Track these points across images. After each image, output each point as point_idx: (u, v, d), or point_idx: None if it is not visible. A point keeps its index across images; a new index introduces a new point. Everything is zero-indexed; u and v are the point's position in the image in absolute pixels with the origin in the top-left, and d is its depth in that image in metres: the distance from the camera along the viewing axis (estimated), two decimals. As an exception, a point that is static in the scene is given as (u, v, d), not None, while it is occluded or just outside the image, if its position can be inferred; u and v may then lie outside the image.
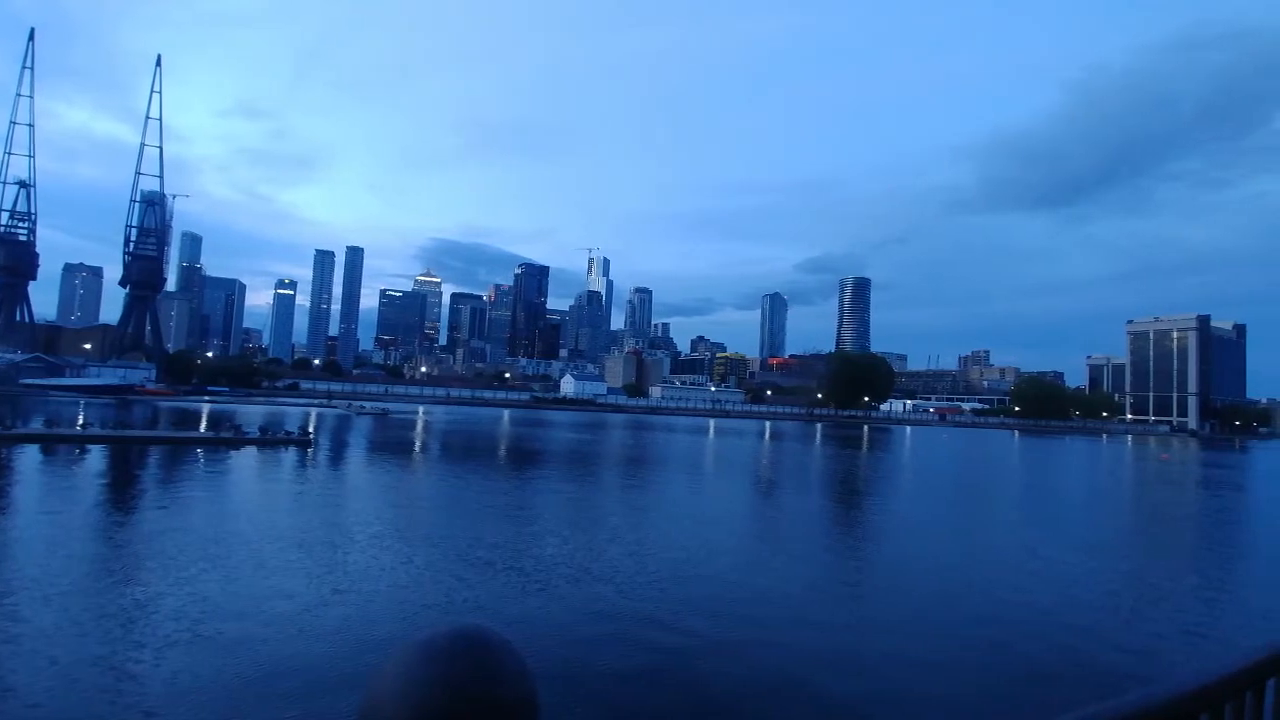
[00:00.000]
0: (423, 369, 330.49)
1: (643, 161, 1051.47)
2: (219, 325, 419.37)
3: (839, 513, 29.88)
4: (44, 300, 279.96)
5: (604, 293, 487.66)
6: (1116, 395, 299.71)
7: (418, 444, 54.63)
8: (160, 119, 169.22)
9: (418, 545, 17.83)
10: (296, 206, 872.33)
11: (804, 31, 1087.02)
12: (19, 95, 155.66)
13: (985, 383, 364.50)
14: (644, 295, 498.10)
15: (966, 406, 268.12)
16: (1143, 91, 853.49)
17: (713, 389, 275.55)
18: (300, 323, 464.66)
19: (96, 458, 34.83)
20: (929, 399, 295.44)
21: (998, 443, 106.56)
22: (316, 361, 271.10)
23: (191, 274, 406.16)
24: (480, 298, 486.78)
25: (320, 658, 10.25)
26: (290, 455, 38.30)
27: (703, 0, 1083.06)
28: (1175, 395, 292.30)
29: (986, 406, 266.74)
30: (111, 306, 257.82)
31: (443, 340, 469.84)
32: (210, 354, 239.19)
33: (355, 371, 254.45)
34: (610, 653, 11.00)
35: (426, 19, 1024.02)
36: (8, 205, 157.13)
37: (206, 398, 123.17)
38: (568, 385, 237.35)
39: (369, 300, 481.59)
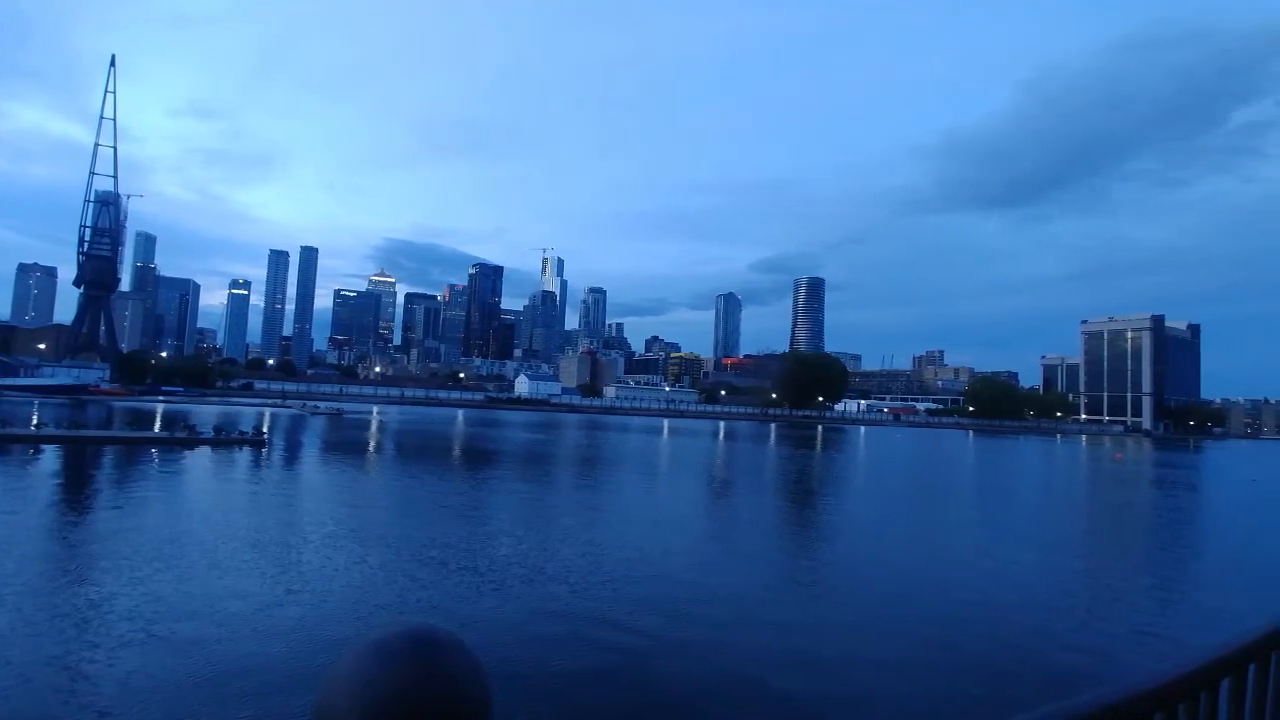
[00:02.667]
0: (377, 369, 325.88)
1: (599, 161, 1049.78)
2: (173, 325, 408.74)
3: (793, 513, 30.03)
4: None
5: (558, 293, 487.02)
6: (1071, 395, 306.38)
7: (372, 444, 54.03)
8: (114, 119, 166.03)
9: (372, 545, 17.75)
10: (251, 206, 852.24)
11: (761, 32, 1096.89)
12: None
13: (939, 383, 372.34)
14: (598, 295, 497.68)
15: (921, 406, 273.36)
16: (1100, 91, 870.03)
17: (667, 389, 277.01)
18: (254, 323, 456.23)
19: (50, 458, 34.11)
20: (883, 399, 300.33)
21: (952, 443, 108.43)
22: (270, 362, 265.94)
23: (146, 274, 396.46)
24: (434, 298, 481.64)
25: (274, 658, 10.21)
26: (244, 455, 37.73)
27: (660, 0, 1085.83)
28: (1129, 395, 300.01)
29: (941, 406, 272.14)
30: (66, 306, 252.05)
31: (397, 340, 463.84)
32: (164, 354, 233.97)
33: (309, 371, 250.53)
34: (565, 653, 10.92)
35: (384, 19, 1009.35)
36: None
37: (161, 398, 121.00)
38: (522, 385, 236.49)
39: (323, 300, 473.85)
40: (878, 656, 11.56)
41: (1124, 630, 13.68)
